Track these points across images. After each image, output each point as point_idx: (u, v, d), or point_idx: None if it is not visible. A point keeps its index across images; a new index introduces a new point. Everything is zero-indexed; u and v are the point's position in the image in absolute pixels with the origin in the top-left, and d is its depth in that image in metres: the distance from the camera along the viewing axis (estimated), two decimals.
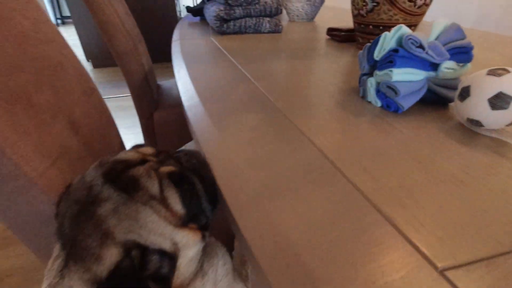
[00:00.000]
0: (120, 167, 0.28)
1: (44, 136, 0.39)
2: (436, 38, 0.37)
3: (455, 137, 0.33)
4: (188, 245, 0.28)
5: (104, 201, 0.25)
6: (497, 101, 0.29)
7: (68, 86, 0.50)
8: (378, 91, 0.39)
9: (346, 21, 1.13)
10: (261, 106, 0.41)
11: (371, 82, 0.39)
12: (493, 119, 0.31)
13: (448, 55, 0.35)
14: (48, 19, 0.50)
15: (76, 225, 0.25)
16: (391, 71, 0.35)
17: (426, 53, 0.35)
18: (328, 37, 0.84)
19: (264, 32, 0.90)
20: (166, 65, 3.40)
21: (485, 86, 0.30)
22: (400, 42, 0.36)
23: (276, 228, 0.22)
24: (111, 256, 0.23)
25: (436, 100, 0.39)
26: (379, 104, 0.39)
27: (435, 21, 0.37)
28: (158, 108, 1.16)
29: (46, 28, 0.49)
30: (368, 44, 0.40)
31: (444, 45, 0.36)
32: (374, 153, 0.30)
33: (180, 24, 1.12)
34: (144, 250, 0.25)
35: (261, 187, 0.26)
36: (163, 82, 1.41)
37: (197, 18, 1.22)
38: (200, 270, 0.31)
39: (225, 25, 0.86)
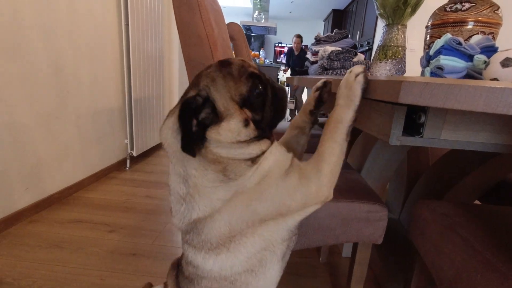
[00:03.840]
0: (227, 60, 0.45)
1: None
2: (473, 43, 0.59)
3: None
4: (232, 116, 0.40)
5: (209, 68, 0.44)
6: (505, 62, 0.49)
7: None
8: (431, 74, 0.61)
9: None
10: None
11: (427, 69, 0.62)
12: (505, 74, 0.49)
13: (478, 50, 0.56)
14: None
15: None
16: (439, 58, 0.58)
17: (463, 47, 0.57)
18: None
19: None
20: None
21: (498, 57, 0.50)
22: (447, 41, 0.59)
23: None
24: (189, 94, 0.42)
25: None
26: None
27: (474, 36, 0.60)
28: None
29: (229, 43, 0.87)
30: (428, 50, 0.64)
31: (477, 45, 0.58)
32: None
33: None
34: (206, 100, 0.40)
35: None
36: None
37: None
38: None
39: (324, 73, 1.20)
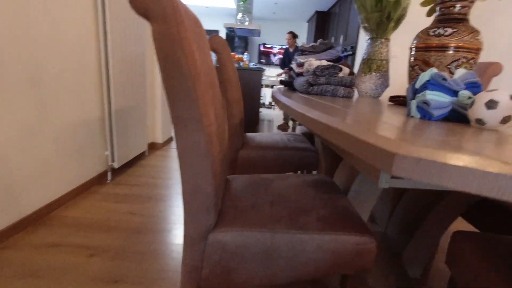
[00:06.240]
0: None
1: (210, 112, 0.69)
2: (458, 78, 0.59)
3: (468, 132, 0.51)
4: None
5: None
6: (490, 104, 0.49)
7: (217, 97, 0.83)
8: (418, 107, 0.61)
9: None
10: (351, 122, 0.66)
11: (413, 102, 0.61)
12: (489, 116, 0.50)
13: (463, 85, 0.57)
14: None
15: None
16: (425, 92, 0.58)
17: (448, 82, 0.57)
18: (390, 102, 1.09)
19: (339, 96, 1.20)
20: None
21: (483, 97, 0.50)
22: (432, 76, 0.59)
23: None
24: None
25: (459, 119, 0.59)
26: (418, 116, 0.61)
27: (458, 69, 0.60)
28: (243, 147, 1.48)
29: (212, 64, 0.85)
30: (413, 81, 0.64)
31: (462, 81, 0.58)
32: (415, 135, 0.51)
33: (276, 91, 1.51)
34: None
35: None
36: (247, 134, 1.77)
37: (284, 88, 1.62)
38: None
39: (310, 88, 1.19)
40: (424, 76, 0.60)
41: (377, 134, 0.37)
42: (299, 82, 1.28)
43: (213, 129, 0.66)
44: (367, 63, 1.40)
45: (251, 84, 3.75)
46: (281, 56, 5.05)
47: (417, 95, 0.61)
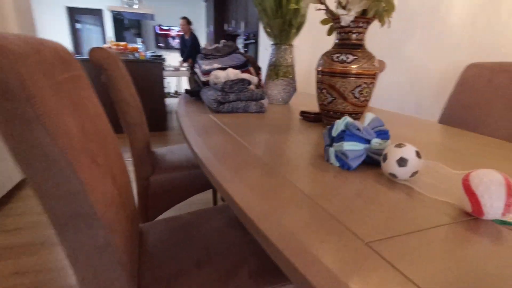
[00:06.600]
0: None
1: (103, 186, 0.54)
2: (368, 124, 0.60)
3: (383, 184, 0.53)
4: None
5: None
6: (400, 162, 0.51)
7: (111, 151, 0.67)
8: (336, 156, 0.60)
9: (313, 104, 1.44)
10: (259, 165, 0.60)
11: (331, 151, 0.60)
12: (401, 172, 0.52)
13: (374, 135, 0.58)
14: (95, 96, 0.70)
15: None
16: (342, 143, 0.57)
17: (362, 133, 0.57)
18: (301, 117, 1.10)
19: (251, 112, 1.15)
20: (152, 134, 3.62)
21: (394, 153, 0.52)
22: (347, 125, 0.58)
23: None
24: None
25: (372, 162, 0.60)
26: (337, 164, 0.60)
27: (367, 113, 0.61)
28: (154, 172, 1.32)
29: (97, 106, 0.68)
30: (329, 126, 0.63)
31: (372, 129, 0.59)
32: (335, 195, 0.49)
33: (181, 103, 1.36)
34: None
35: (268, 209, 0.43)
36: (157, 149, 1.59)
37: (192, 98, 1.48)
38: None
39: (220, 106, 1.11)
40: (339, 125, 0.59)
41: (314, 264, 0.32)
42: (207, 97, 1.18)
43: (112, 215, 0.52)
44: (274, 69, 1.39)
45: (152, 77, 3.39)
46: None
47: (335, 144, 0.60)
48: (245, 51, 4.09)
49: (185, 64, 4.85)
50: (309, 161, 0.63)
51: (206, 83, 1.37)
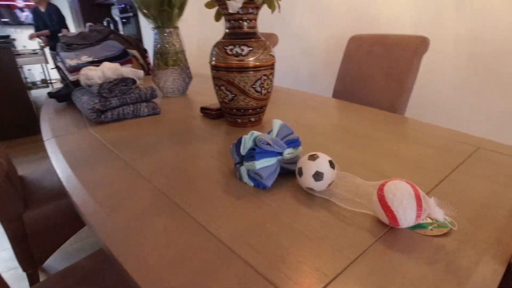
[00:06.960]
0: None
1: None
2: (277, 135, 0.55)
3: (302, 200, 0.49)
4: None
5: None
6: (316, 176, 0.48)
7: None
8: (249, 175, 0.53)
9: (212, 91, 1.33)
10: (162, 207, 0.48)
11: (243, 170, 0.53)
12: (318, 186, 0.49)
13: (285, 146, 0.53)
14: None
15: None
16: (254, 163, 0.50)
17: (272, 147, 0.51)
18: (201, 114, 0.99)
19: (143, 116, 0.97)
20: (19, 141, 2.89)
21: (308, 168, 0.48)
22: (255, 142, 0.52)
23: None
24: None
25: (287, 172, 0.56)
26: (252, 184, 0.54)
27: (274, 120, 0.56)
28: (27, 207, 1.03)
29: None
30: (235, 142, 0.55)
31: (282, 139, 0.54)
32: (254, 226, 0.43)
33: (45, 115, 1.05)
34: None
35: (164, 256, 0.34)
36: (28, 174, 1.24)
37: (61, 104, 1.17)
38: None
39: (102, 116, 0.89)
40: (247, 142, 0.52)
41: None
42: (82, 104, 0.93)
43: None
44: (162, 57, 1.20)
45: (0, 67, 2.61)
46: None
47: (245, 162, 0.53)
48: (124, 23, 3.49)
49: (38, 40, 3.89)
50: (220, 185, 0.54)
51: (77, 83, 1.09)
